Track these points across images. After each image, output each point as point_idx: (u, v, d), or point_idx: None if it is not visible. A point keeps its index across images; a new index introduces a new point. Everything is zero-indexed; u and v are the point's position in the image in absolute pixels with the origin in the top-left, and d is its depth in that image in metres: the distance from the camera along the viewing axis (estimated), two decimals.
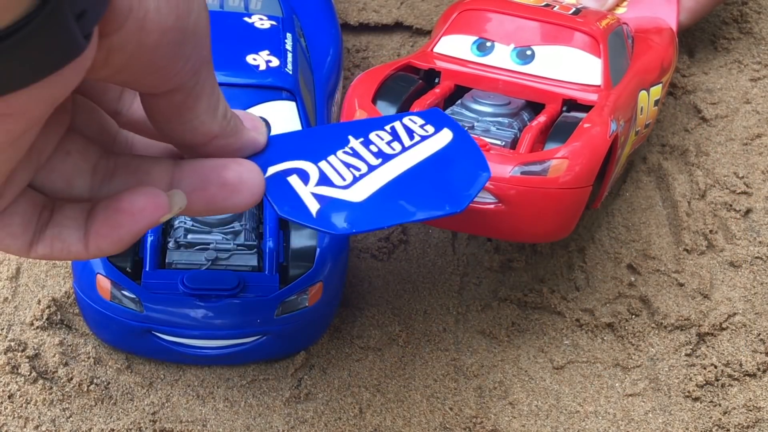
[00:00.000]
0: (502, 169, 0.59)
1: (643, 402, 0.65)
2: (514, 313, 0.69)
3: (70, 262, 0.64)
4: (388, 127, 0.49)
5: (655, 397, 0.65)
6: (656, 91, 0.72)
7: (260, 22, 0.70)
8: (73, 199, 0.43)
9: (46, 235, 0.42)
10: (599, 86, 0.65)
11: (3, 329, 0.64)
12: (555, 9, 0.69)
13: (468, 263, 0.71)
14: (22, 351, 0.63)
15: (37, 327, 0.64)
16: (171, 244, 0.63)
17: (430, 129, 0.49)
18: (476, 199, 0.60)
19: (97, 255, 0.42)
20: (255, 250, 0.63)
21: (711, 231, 0.73)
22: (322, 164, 0.46)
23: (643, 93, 0.69)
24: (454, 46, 0.68)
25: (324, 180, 0.45)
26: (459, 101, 0.65)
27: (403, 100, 0.64)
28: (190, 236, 0.63)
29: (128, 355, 0.64)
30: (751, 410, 0.64)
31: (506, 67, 0.66)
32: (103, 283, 0.61)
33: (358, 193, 0.45)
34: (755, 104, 0.81)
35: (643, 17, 0.77)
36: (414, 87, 0.66)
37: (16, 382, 0.62)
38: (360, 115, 0.62)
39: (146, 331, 0.62)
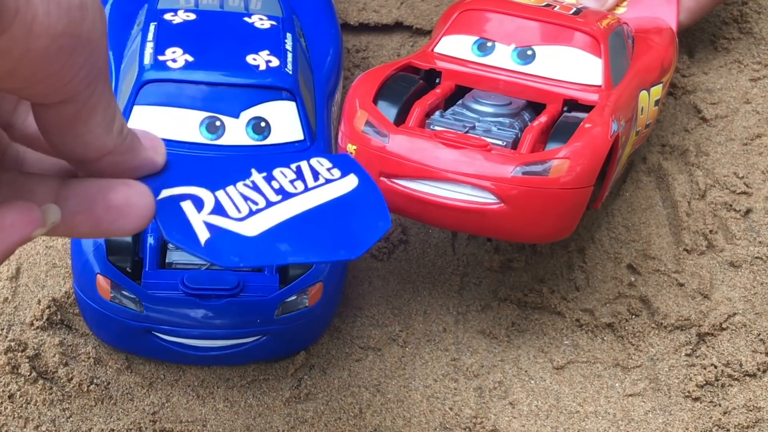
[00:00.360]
0: (504, 169, 0.59)
1: (643, 402, 0.65)
2: (514, 313, 0.69)
3: (70, 261, 0.64)
4: (293, 166, 0.48)
5: (655, 397, 0.65)
6: (657, 91, 0.72)
7: (260, 22, 0.70)
8: None
9: None
10: (600, 86, 0.65)
11: (3, 329, 0.64)
12: (556, 9, 0.69)
13: (468, 263, 0.71)
14: (22, 351, 0.63)
15: (37, 327, 0.64)
16: (171, 245, 0.63)
17: (336, 173, 0.48)
18: (477, 199, 0.60)
19: None
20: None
21: (711, 231, 0.73)
22: (219, 193, 0.45)
23: (644, 93, 0.69)
24: (455, 47, 0.68)
25: (218, 209, 0.44)
26: (460, 101, 0.65)
27: (404, 100, 0.64)
28: None
29: (128, 355, 0.64)
30: (751, 410, 0.64)
31: (507, 68, 0.66)
32: (103, 283, 0.61)
33: (251, 228, 0.44)
34: (755, 104, 0.81)
35: (642, 17, 0.77)
36: (415, 87, 0.66)
37: (16, 382, 0.62)
38: (361, 115, 0.62)
39: (146, 331, 0.62)
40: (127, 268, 0.62)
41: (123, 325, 0.61)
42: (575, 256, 0.71)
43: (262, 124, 0.66)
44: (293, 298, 0.62)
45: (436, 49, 0.68)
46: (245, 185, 0.45)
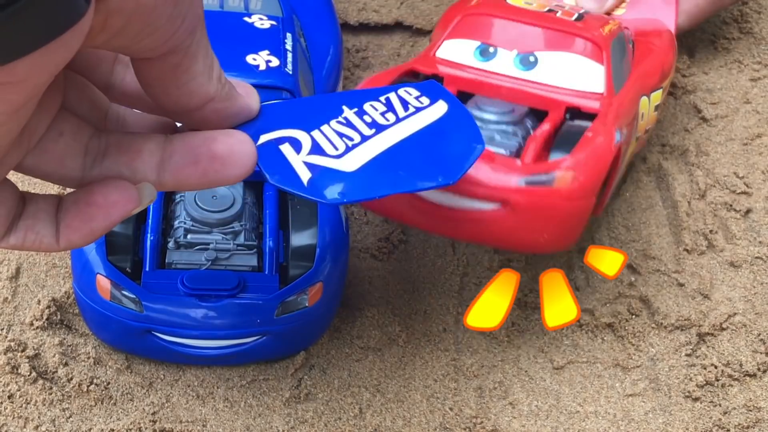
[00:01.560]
0: (508, 179, 0.59)
1: (643, 402, 0.65)
2: (514, 313, 0.69)
3: (69, 261, 0.64)
4: (383, 98, 0.48)
5: (655, 397, 0.65)
6: (656, 96, 0.72)
7: (260, 22, 0.70)
8: (65, 180, 0.43)
9: (20, 226, 0.41)
10: (602, 93, 0.65)
11: (3, 329, 0.64)
12: (558, 15, 0.68)
13: (468, 263, 0.71)
14: (22, 351, 0.63)
15: (37, 327, 0.64)
16: (171, 244, 0.63)
17: (425, 101, 0.49)
18: (480, 207, 0.60)
19: (67, 247, 0.42)
20: (255, 250, 0.63)
21: (711, 231, 0.73)
22: (315, 133, 0.45)
23: (644, 99, 0.69)
24: (457, 51, 0.68)
25: (316, 149, 0.45)
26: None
27: None
28: (189, 236, 0.63)
29: (128, 356, 0.64)
30: (751, 410, 0.64)
31: (509, 74, 0.66)
32: (103, 283, 0.61)
33: (350, 163, 0.45)
34: (755, 104, 0.81)
35: (642, 19, 0.77)
36: None
37: (16, 382, 0.62)
38: None
39: (146, 331, 0.62)
40: (127, 268, 0.62)
41: (123, 325, 0.61)
42: (575, 256, 0.71)
43: None
44: (293, 298, 0.62)
45: (438, 54, 0.68)
46: (338, 122, 0.46)
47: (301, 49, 0.71)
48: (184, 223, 0.64)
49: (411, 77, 0.67)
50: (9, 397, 0.61)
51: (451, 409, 0.64)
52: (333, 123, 0.46)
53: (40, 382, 0.62)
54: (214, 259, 0.63)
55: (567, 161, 0.60)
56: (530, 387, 0.66)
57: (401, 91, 0.49)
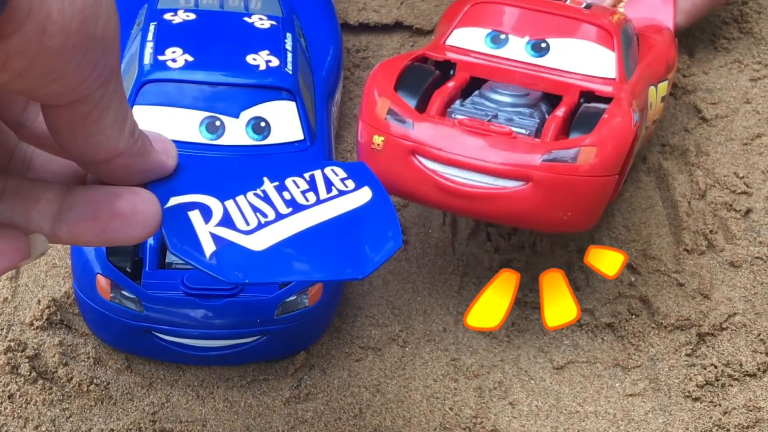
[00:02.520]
0: (532, 156, 0.59)
1: (643, 402, 0.65)
2: (514, 313, 0.69)
3: (69, 261, 0.64)
4: (307, 175, 0.46)
5: (655, 397, 0.65)
6: (663, 87, 0.72)
7: (260, 22, 0.70)
8: None
9: None
10: (614, 79, 0.65)
11: (3, 329, 0.64)
12: (567, 2, 0.69)
13: (468, 263, 0.71)
14: (22, 351, 0.63)
15: (37, 327, 0.64)
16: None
17: (350, 184, 0.47)
18: (503, 185, 0.60)
19: None
20: None
21: (711, 231, 0.73)
22: (229, 203, 0.44)
23: (652, 88, 0.69)
24: (468, 39, 0.68)
25: (226, 221, 0.43)
26: (477, 92, 0.65)
27: (423, 90, 0.64)
28: None
29: (128, 356, 0.64)
30: (751, 410, 0.64)
31: (521, 60, 0.66)
32: (103, 283, 0.61)
33: (259, 242, 0.43)
34: (755, 104, 0.81)
35: (640, 18, 0.77)
36: (432, 77, 0.65)
37: (16, 382, 0.62)
38: (383, 103, 0.62)
39: (146, 331, 0.62)
40: (127, 268, 0.62)
41: (123, 325, 0.61)
42: (575, 256, 0.71)
43: (262, 123, 0.66)
44: (293, 298, 0.62)
45: (449, 42, 0.68)
46: (256, 195, 0.44)
47: (301, 49, 0.71)
48: None
49: (422, 62, 0.67)
50: (9, 397, 0.61)
51: (451, 409, 0.64)
52: (250, 195, 0.44)
53: (40, 382, 0.62)
54: None
55: (589, 138, 0.60)
56: (530, 387, 0.66)
57: (328, 170, 0.47)
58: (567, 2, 0.69)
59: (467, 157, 0.60)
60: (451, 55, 0.67)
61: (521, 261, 0.71)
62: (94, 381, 0.63)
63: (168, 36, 0.68)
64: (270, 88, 0.67)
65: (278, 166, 0.46)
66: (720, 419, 0.64)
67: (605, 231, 0.73)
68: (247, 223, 0.43)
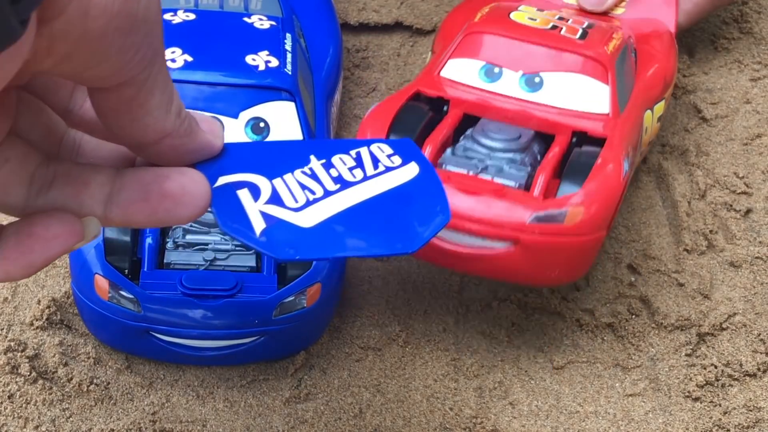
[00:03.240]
0: (520, 215, 0.59)
1: (643, 402, 0.65)
2: (514, 313, 0.69)
3: (68, 262, 0.64)
4: (353, 152, 0.47)
5: (655, 397, 0.65)
6: (659, 107, 0.72)
7: (260, 22, 0.70)
8: (6, 209, 0.41)
9: None
10: (607, 114, 0.65)
11: (3, 329, 0.64)
12: (563, 31, 0.68)
13: None
14: (22, 351, 0.63)
15: (37, 327, 0.64)
16: (169, 245, 0.63)
17: (396, 160, 0.47)
18: (491, 246, 0.60)
19: (4, 280, 0.40)
20: (253, 250, 0.63)
21: (711, 231, 0.73)
22: (277, 182, 0.44)
23: (648, 113, 0.69)
24: (462, 71, 0.67)
25: (275, 199, 0.43)
26: (469, 133, 0.65)
27: (416, 135, 0.64)
28: (188, 236, 0.63)
29: (128, 356, 0.64)
30: (751, 410, 0.64)
31: (515, 95, 0.66)
32: (101, 284, 0.61)
33: (307, 219, 0.43)
34: (755, 104, 0.81)
35: (641, 19, 0.76)
36: (425, 120, 0.65)
37: (16, 382, 0.62)
38: None
39: (144, 331, 0.62)
40: (125, 269, 0.62)
41: (121, 326, 0.62)
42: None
43: (261, 124, 0.66)
44: (291, 298, 0.62)
45: (443, 74, 0.68)
46: (303, 173, 0.45)
47: (301, 49, 0.71)
48: None
49: (417, 98, 0.67)
50: (9, 397, 0.61)
51: (451, 409, 0.64)
52: (297, 173, 0.45)
53: (40, 382, 0.62)
54: (213, 259, 0.63)
55: (577, 196, 0.60)
56: (530, 387, 0.66)
57: (374, 147, 0.48)
58: (563, 30, 0.68)
59: (457, 217, 0.60)
60: (445, 90, 0.67)
61: None
62: (94, 381, 0.63)
63: (167, 36, 0.68)
64: (269, 88, 0.67)
65: (324, 145, 0.47)
66: (720, 419, 0.64)
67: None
68: (296, 201, 0.44)
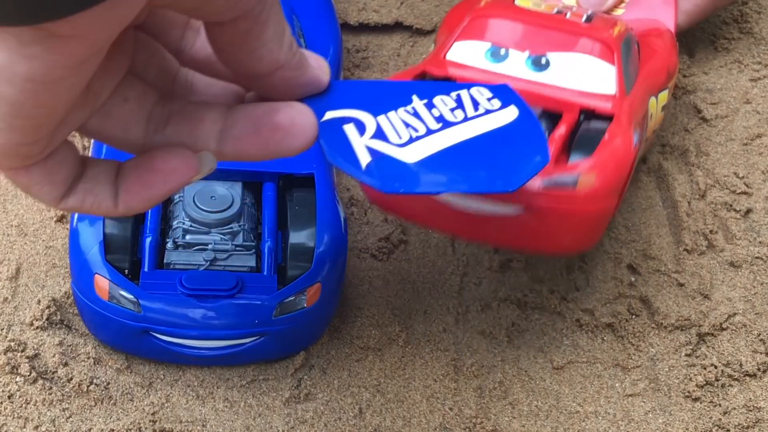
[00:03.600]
0: (531, 182, 0.59)
1: (643, 402, 0.65)
2: (514, 313, 0.69)
3: (69, 262, 0.65)
4: (453, 94, 0.48)
5: (655, 397, 0.65)
6: (663, 96, 0.72)
7: None
8: (126, 145, 0.44)
9: (79, 189, 0.42)
10: (614, 95, 0.65)
11: (3, 329, 0.64)
12: (567, 16, 0.68)
13: (468, 263, 0.71)
14: (22, 351, 0.63)
15: (37, 327, 0.64)
16: (169, 245, 0.63)
17: (496, 104, 0.48)
18: (502, 211, 0.59)
19: (125, 213, 0.43)
20: (253, 250, 0.63)
21: (711, 231, 0.73)
22: (381, 119, 0.45)
23: (653, 99, 0.69)
24: (468, 53, 0.67)
25: (380, 134, 0.45)
26: None
27: None
28: (188, 237, 0.63)
29: (128, 356, 0.64)
30: (751, 410, 0.64)
31: (521, 76, 0.65)
32: (101, 284, 0.61)
33: (412, 154, 0.45)
34: (755, 104, 0.81)
35: (641, 19, 0.76)
36: None
37: (16, 382, 0.62)
38: None
39: (144, 331, 0.62)
40: (125, 269, 0.62)
41: (121, 326, 0.62)
42: (575, 256, 0.71)
43: None
44: (291, 298, 0.62)
45: (449, 56, 0.68)
46: (406, 111, 0.46)
47: None
48: (183, 223, 0.64)
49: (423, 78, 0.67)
50: (9, 397, 0.61)
51: (451, 409, 0.64)
52: (401, 111, 0.46)
53: (40, 382, 0.62)
54: (213, 259, 0.63)
55: (589, 162, 0.59)
56: (530, 387, 0.66)
57: (473, 90, 0.49)
58: (568, 15, 0.68)
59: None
60: (451, 71, 0.66)
61: (521, 261, 0.71)
62: (94, 381, 0.63)
63: None
64: None
65: (426, 86, 0.48)
66: (720, 419, 0.64)
67: (605, 231, 0.73)
68: (400, 137, 0.45)
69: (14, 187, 0.71)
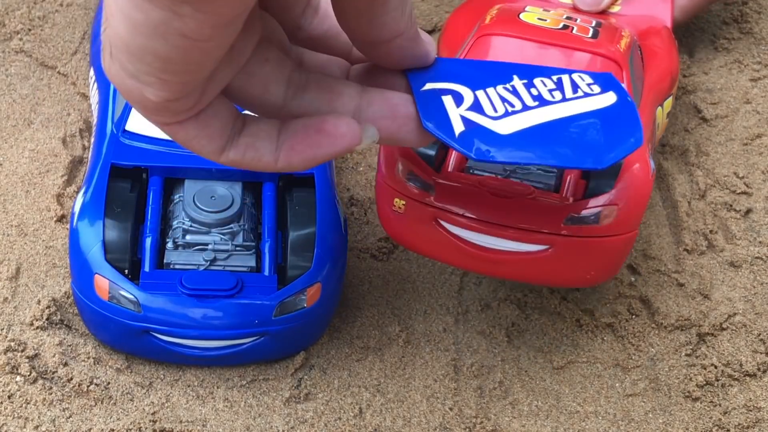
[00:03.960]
0: (554, 219, 0.59)
1: (643, 402, 0.65)
2: (514, 313, 0.69)
3: (69, 262, 0.65)
4: (555, 77, 0.49)
5: (655, 397, 0.65)
6: (668, 103, 0.71)
7: None
8: (267, 107, 0.46)
9: (240, 142, 0.45)
10: None
11: (3, 329, 0.64)
12: (574, 31, 0.68)
13: None
14: (22, 351, 0.63)
15: (37, 327, 0.64)
16: (169, 245, 0.63)
17: (596, 89, 0.49)
18: (526, 249, 0.60)
19: (285, 169, 0.45)
20: (253, 250, 0.63)
21: (711, 231, 0.73)
22: (479, 93, 0.47)
23: (659, 109, 0.69)
24: None
25: (476, 107, 0.46)
26: None
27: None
28: (188, 237, 0.63)
29: (128, 356, 0.64)
30: (751, 410, 0.64)
31: None
32: (101, 284, 0.61)
33: (505, 127, 0.46)
34: (755, 104, 0.81)
35: (638, 16, 0.76)
36: None
37: (16, 382, 0.62)
38: (403, 165, 0.61)
39: (144, 331, 0.62)
40: (125, 269, 0.62)
41: (121, 326, 0.62)
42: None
43: None
44: (291, 298, 0.62)
45: None
46: (505, 88, 0.48)
47: None
48: (183, 223, 0.64)
49: None
50: (9, 397, 0.61)
51: (451, 409, 0.64)
52: (499, 87, 0.47)
53: (40, 382, 0.62)
54: (213, 259, 0.63)
55: (609, 196, 0.60)
56: (530, 387, 0.66)
57: (575, 75, 0.50)
58: (574, 30, 0.68)
59: (490, 223, 0.60)
60: None
61: None
62: (94, 381, 0.63)
63: None
64: None
65: (529, 68, 0.49)
66: (720, 419, 0.64)
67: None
68: (495, 110, 0.46)
69: (14, 187, 0.71)
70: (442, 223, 0.60)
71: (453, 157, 0.62)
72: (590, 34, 0.67)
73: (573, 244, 0.59)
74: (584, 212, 0.59)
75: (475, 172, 0.62)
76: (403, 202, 0.61)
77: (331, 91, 0.46)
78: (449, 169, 0.61)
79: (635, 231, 0.61)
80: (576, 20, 0.69)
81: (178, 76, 0.40)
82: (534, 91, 0.48)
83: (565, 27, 0.68)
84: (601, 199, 0.59)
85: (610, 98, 0.49)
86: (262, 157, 0.45)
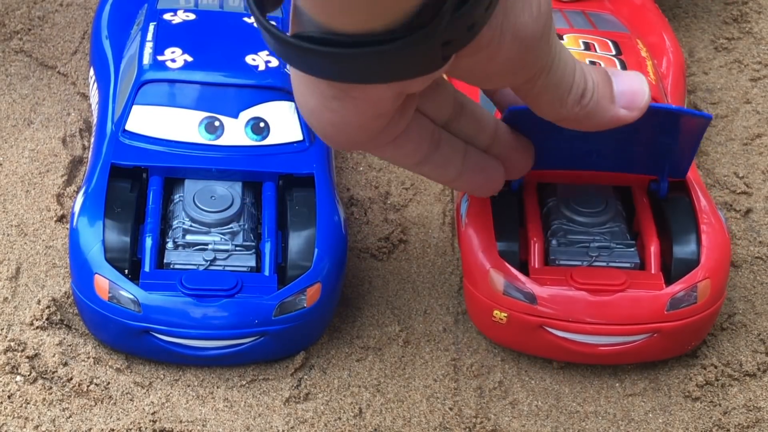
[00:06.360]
0: (656, 308, 0.61)
1: (643, 402, 0.65)
2: None
3: (69, 262, 0.64)
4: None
5: (655, 397, 0.65)
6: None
7: None
8: (437, 122, 0.52)
9: (433, 159, 0.52)
10: None
11: (3, 329, 0.64)
12: (597, 52, 0.67)
13: None
14: (22, 351, 0.63)
15: (37, 327, 0.64)
16: (169, 245, 0.63)
17: None
18: (632, 340, 0.62)
19: (463, 189, 0.63)
20: (253, 250, 0.63)
21: None
22: None
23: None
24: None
25: None
26: (555, 207, 0.66)
27: (518, 232, 0.65)
28: (188, 237, 0.63)
29: (128, 355, 0.64)
30: (751, 410, 0.64)
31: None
32: (101, 283, 0.61)
33: None
34: (755, 104, 0.81)
35: (633, 14, 0.76)
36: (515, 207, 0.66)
37: (16, 382, 0.62)
38: (496, 277, 0.62)
39: (144, 331, 0.62)
40: (125, 269, 0.62)
41: (121, 326, 0.62)
42: None
43: (261, 124, 0.66)
44: (291, 298, 0.62)
45: None
46: None
47: None
48: (183, 223, 0.64)
49: None
50: (9, 397, 0.61)
51: (451, 409, 0.64)
52: None
53: (40, 382, 0.62)
54: (213, 259, 0.63)
55: (701, 271, 0.61)
56: (530, 387, 0.65)
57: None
58: (597, 51, 0.67)
59: (594, 324, 0.62)
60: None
61: None
62: (94, 381, 0.63)
63: (167, 36, 0.68)
64: (269, 88, 0.67)
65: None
66: (720, 419, 0.64)
67: None
68: None
69: (14, 187, 0.71)
70: (548, 329, 0.62)
71: (535, 251, 0.63)
72: (613, 54, 0.67)
73: (677, 327, 0.62)
74: (682, 294, 0.61)
75: (560, 263, 0.63)
76: (505, 314, 0.63)
77: (479, 122, 0.54)
78: (534, 265, 0.63)
79: (725, 294, 0.64)
80: (594, 44, 0.69)
81: (348, 136, 0.47)
82: None
83: (587, 48, 0.68)
84: (695, 277, 0.61)
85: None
86: (446, 175, 0.54)
